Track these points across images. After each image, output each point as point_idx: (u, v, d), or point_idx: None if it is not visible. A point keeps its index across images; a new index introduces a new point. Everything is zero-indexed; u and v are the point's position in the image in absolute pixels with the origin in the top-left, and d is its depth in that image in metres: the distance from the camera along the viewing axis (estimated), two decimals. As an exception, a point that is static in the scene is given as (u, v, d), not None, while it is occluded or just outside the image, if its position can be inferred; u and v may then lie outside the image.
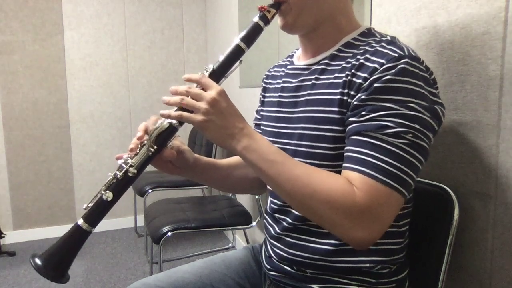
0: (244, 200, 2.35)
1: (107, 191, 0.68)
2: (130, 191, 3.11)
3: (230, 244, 2.70)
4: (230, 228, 1.89)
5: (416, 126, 0.60)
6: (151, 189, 2.33)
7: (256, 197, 1.89)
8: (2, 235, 2.61)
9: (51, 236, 2.84)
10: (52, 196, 2.87)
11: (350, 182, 0.60)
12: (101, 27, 2.87)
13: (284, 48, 1.77)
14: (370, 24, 1.10)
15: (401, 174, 0.59)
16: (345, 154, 0.64)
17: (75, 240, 0.69)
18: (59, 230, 2.88)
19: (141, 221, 2.81)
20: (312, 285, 0.74)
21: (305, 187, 0.61)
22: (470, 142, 0.81)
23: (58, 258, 0.67)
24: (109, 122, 2.96)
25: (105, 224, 2.95)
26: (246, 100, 2.26)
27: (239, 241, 2.62)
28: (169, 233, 1.66)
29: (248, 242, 2.16)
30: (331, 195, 0.59)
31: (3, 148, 2.71)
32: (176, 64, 3.10)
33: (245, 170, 0.92)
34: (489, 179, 0.78)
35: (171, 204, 2.02)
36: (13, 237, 2.76)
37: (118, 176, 0.69)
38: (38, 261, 0.66)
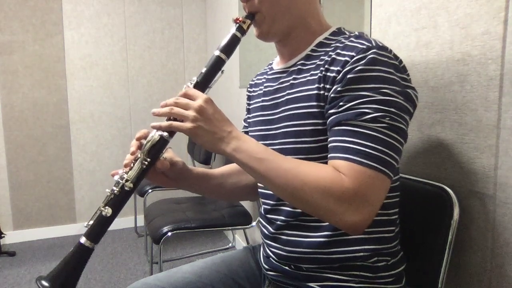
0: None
1: (106, 207, 0.71)
2: (130, 191, 3.07)
3: (230, 244, 2.70)
4: (230, 228, 1.89)
5: (392, 109, 0.63)
6: (151, 189, 2.33)
7: (256, 197, 1.89)
8: (2, 235, 2.60)
9: (51, 236, 2.85)
10: (52, 196, 2.87)
11: (337, 170, 0.62)
12: (101, 27, 2.87)
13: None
14: (370, 24, 1.10)
15: (383, 156, 0.62)
16: (329, 145, 0.67)
17: (79, 258, 0.70)
18: (59, 230, 2.89)
19: (141, 221, 2.81)
20: (311, 284, 0.74)
21: (295, 179, 0.63)
22: (470, 142, 0.81)
23: (64, 278, 0.68)
24: (109, 122, 2.96)
25: (105, 224, 2.95)
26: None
27: (239, 241, 2.62)
28: (169, 233, 1.66)
29: (248, 242, 2.16)
30: (320, 184, 0.61)
31: (3, 148, 2.71)
32: (176, 64, 3.10)
33: (238, 177, 0.94)
34: (489, 179, 0.78)
35: (171, 204, 2.02)
36: (13, 237, 2.76)
37: (115, 191, 0.71)
38: (44, 283, 0.66)
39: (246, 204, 2.28)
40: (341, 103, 0.65)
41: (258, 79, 0.94)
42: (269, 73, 0.88)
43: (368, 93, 0.63)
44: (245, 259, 0.94)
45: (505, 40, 0.73)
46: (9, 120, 2.71)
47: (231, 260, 0.93)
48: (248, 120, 0.94)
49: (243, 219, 1.88)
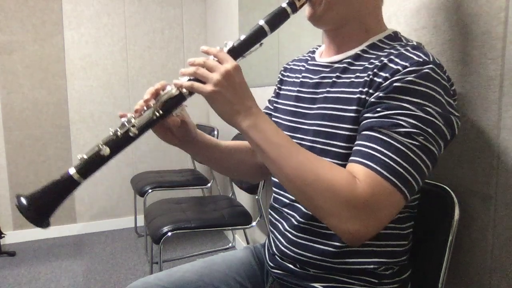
0: (244, 200, 2.35)
1: (105, 146, 0.67)
2: (130, 191, 3.09)
3: (230, 244, 2.70)
4: (230, 228, 1.89)
5: (429, 130, 0.59)
6: (151, 189, 2.33)
7: (256, 197, 1.88)
8: (2, 235, 2.60)
9: (51, 236, 2.85)
10: (52, 196, 2.86)
11: (353, 175, 0.60)
12: (101, 27, 2.87)
13: (284, 48, 1.76)
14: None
15: (406, 175, 0.58)
16: (354, 148, 0.63)
17: (63, 188, 0.68)
18: (59, 230, 2.89)
19: (141, 221, 2.80)
20: (315, 284, 0.74)
21: (307, 173, 0.60)
22: (470, 142, 0.81)
23: (43, 202, 0.66)
24: (109, 122, 2.96)
25: (105, 224, 2.95)
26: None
27: (239, 241, 2.62)
28: (169, 233, 1.66)
29: (248, 242, 2.16)
30: (333, 184, 0.59)
31: (3, 148, 2.71)
32: (176, 64, 3.10)
33: (244, 155, 0.91)
34: (489, 179, 0.78)
35: (171, 204, 2.02)
36: (13, 237, 2.76)
37: (119, 133, 0.68)
38: (23, 200, 0.64)
39: (246, 204, 2.28)
40: (378, 109, 0.61)
41: (295, 65, 0.89)
42: (309, 62, 0.84)
43: (409, 106, 0.59)
44: (246, 259, 0.93)
45: (505, 40, 0.73)
46: (9, 120, 2.71)
47: (232, 260, 0.93)
48: (276, 105, 0.90)
49: (243, 219, 1.88)
